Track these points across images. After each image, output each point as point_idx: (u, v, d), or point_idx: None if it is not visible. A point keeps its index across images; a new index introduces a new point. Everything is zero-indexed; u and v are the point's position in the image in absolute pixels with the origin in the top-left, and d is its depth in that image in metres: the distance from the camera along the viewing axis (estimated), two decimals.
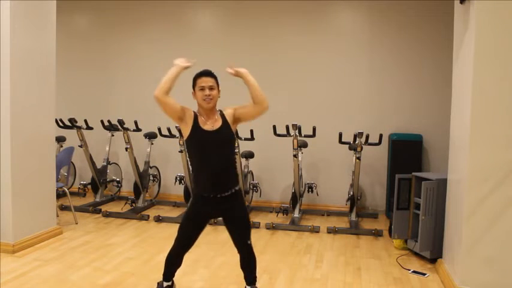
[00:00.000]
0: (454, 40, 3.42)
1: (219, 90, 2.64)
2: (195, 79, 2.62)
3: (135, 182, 5.38)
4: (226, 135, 2.62)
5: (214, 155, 2.58)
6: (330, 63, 5.61)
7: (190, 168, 2.72)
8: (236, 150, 4.88)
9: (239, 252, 2.73)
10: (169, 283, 2.84)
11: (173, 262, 2.80)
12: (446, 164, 3.57)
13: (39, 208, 4.07)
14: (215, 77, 2.63)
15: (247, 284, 2.79)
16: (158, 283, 2.84)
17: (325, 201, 5.63)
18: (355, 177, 4.86)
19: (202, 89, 2.57)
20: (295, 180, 4.94)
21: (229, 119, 2.64)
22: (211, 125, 2.61)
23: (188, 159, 2.69)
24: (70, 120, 5.45)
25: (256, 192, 5.49)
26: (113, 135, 5.74)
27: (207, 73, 2.61)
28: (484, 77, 2.87)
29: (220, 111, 2.68)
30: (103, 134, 5.73)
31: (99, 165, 5.69)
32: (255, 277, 2.79)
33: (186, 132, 2.61)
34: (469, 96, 2.93)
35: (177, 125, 4.88)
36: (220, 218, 2.79)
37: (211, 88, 2.57)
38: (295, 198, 5.06)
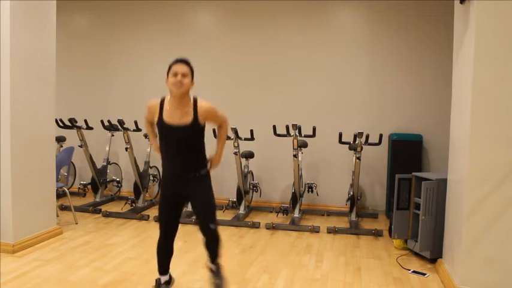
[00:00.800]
0: (454, 40, 3.42)
1: (192, 82, 2.61)
2: (170, 66, 2.61)
3: (135, 182, 5.38)
4: (191, 131, 2.60)
5: (176, 145, 2.62)
6: (330, 63, 5.61)
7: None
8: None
9: (203, 234, 2.73)
10: (167, 278, 2.85)
11: (163, 252, 2.81)
12: (446, 164, 3.57)
13: (39, 208, 4.07)
14: (190, 67, 2.61)
15: (211, 262, 2.81)
16: (156, 280, 2.85)
17: (325, 201, 5.63)
18: (355, 177, 4.86)
19: (175, 74, 2.55)
20: (295, 180, 4.94)
21: (200, 114, 2.59)
22: (178, 117, 2.58)
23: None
24: (70, 120, 5.45)
25: (256, 192, 5.49)
26: (113, 135, 5.74)
27: (183, 60, 2.60)
28: (484, 77, 2.88)
29: (195, 101, 2.62)
30: (103, 134, 5.73)
31: (99, 165, 5.68)
32: (218, 255, 2.80)
33: (155, 120, 2.65)
34: (469, 96, 2.93)
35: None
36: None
37: (183, 75, 2.55)
38: (295, 198, 5.06)
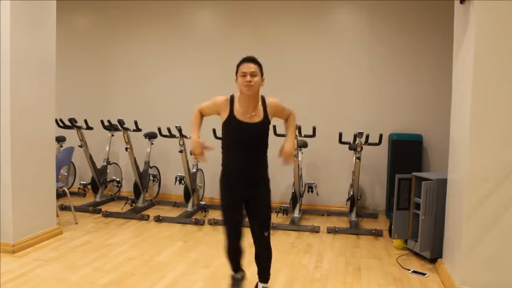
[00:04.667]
0: (454, 40, 3.42)
1: (263, 79, 2.58)
2: (238, 66, 2.57)
3: (135, 182, 5.37)
4: (261, 129, 2.58)
5: (245, 145, 2.57)
6: (330, 63, 5.61)
7: (221, 147, 2.70)
8: None
9: (255, 243, 2.67)
10: (242, 273, 2.81)
11: (234, 255, 2.75)
12: (446, 164, 3.57)
13: (39, 208, 4.07)
14: (259, 64, 2.57)
15: (260, 281, 2.76)
16: (232, 275, 2.82)
17: (325, 201, 5.63)
18: (355, 177, 4.86)
19: (244, 75, 2.50)
20: (295, 180, 4.94)
21: (270, 110, 2.60)
22: (249, 115, 2.55)
23: (222, 139, 2.71)
24: (70, 120, 5.45)
25: None
26: (113, 135, 5.74)
27: (250, 59, 2.56)
28: (484, 77, 2.87)
29: (263, 99, 2.60)
30: (103, 134, 5.73)
31: (99, 165, 5.68)
32: (268, 275, 2.75)
33: (223, 117, 2.59)
34: (469, 96, 2.93)
35: (177, 125, 4.90)
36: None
37: (252, 74, 2.50)
38: (295, 198, 5.06)
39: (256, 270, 2.77)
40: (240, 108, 2.56)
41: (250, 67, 2.51)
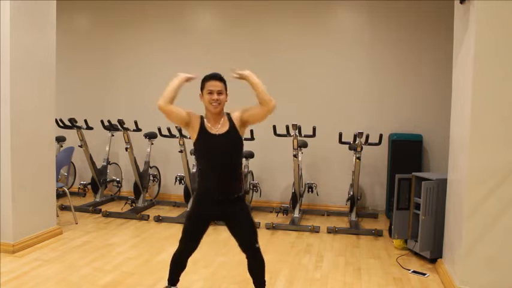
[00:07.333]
0: (454, 40, 3.42)
1: (226, 95, 2.64)
2: (203, 82, 2.62)
3: (135, 182, 5.38)
4: (233, 139, 2.62)
5: (220, 158, 2.59)
6: (330, 63, 5.61)
7: (196, 169, 2.73)
8: None
9: (247, 256, 2.70)
10: None
11: (178, 265, 2.77)
12: (446, 164, 3.57)
13: (39, 208, 4.07)
14: (224, 81, 2.63)
15: None
16: None
17: (325, 201, 5.63)
18: (355, 177, 4.86)
19: (211, 92, 2.57)
20: (295, 180, 4.94)
21: (236, 122, 2.64)
22: (218, 129, 2.61)
23: (195, 160, 2.73)
24: (70, 120, 5.45)
25: (256, 192, 5.49)
26: (113, 135, 5.74)
27: (216, 77, 2.61)
28: (484, 77, 2.88)
29: (228, 114, 2.67)
30: (103, 134, 5.73)
31: (99, 165, 5.68)
32: (264, 282, 2.77)
33: (194, 136, 2.64)
34: (469, 96, 2.93)
35: (177, 125, 4.89)
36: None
37: (219, 93, 2.57)
38: (295, 198, 5.06)
39: (252, 280, 2.78)
40: (208, 123, 2.64)
41: (217, 85, 2.58)
